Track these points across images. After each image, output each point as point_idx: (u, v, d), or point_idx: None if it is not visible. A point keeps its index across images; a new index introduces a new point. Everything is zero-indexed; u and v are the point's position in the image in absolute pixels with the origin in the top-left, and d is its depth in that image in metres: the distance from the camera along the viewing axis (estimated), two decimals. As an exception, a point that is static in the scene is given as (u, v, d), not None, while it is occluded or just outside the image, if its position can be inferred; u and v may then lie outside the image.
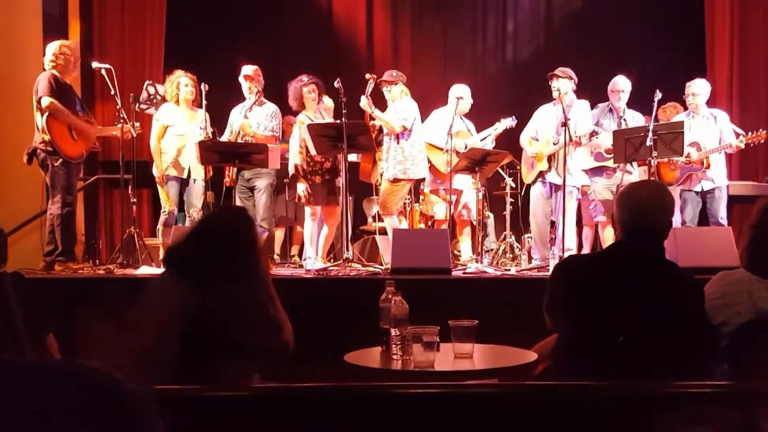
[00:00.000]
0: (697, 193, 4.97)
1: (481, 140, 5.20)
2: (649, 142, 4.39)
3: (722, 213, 4.95)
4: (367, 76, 4.85)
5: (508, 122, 5.17)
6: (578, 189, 4.88)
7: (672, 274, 1.99)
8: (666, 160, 4.87)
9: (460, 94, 5.07)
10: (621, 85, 4.97)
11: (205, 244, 2.10)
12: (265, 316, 2.09)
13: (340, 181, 4.67)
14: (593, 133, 4.66)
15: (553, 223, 5.03)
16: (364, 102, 4.76)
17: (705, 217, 5.00)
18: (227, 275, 2.03)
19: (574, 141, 4.69)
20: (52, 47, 4.51)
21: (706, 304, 1.92)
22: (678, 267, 2.04)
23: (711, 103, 5.12)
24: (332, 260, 4.97)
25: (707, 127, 4.98)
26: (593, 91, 5.19)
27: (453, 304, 3.46)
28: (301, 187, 4.87)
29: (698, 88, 4.99)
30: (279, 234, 5.65)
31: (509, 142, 5.37)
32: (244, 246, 2.11)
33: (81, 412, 0.64)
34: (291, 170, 4.95)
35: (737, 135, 4.88)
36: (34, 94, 4.41)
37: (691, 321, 1.91)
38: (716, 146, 4.90)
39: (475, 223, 5.20)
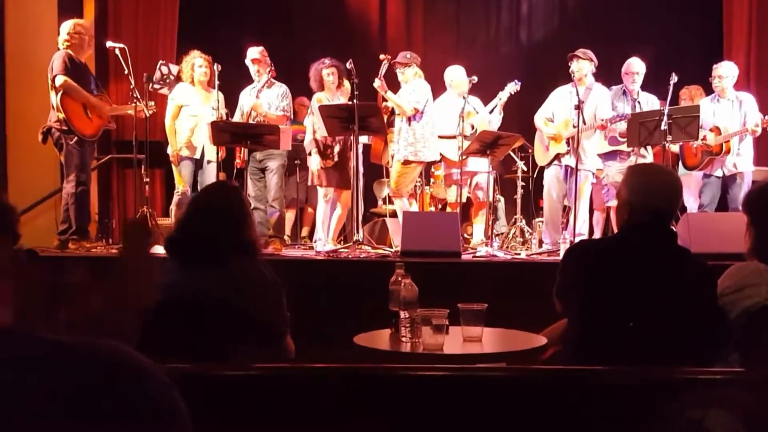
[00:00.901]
0: (718, 177, 4.89)
1: (489, 112, 5.15)
2: (663, 126, 4.32)
3: (742, 199, 4.85)
4: (381, 57, 4.82)
5: (511, 88, 5.10)
6: (593, 173, 4.85)
7: (684, 260, 1.97)
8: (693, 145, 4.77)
9: (466, 77, 5.01)
10: (635, 67, 4.89)
11: (201, 223, 2.10)
12: (279, 294, 2.10)
13: (352, 164, 4.66)
14: (622, 117, 4.58)
15: (565, 207, 5.00)
16: (378, 83, 4.74)
17: (726, 203, 4.92)
18: (232, 251, 2.04)
19: (599, 125, 4.64)
20: (67, 26, 4.52)
21: (722, 298, 1.90)
22: (690, 252, 2.02)
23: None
24: (342, 242, 4.98)
25: (731, 112, 4.87)
26: (607, 73, 5.11)
27: (462, 287, 3.47)
28: (315, 161, 4.85)
29: (725, 71, 4.87)
30: (290, 215, 5.68)
31: (520, 126, 5.32)
32: (238, 218, 2.11)
33: (100, 390, 0.65)
34: (307, 145, 4.96)
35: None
36: (48, 72, 4.43)
37: (703, 307, 1.90)
38: (735, 131, 4.81)
39: (488, 201, 5.18)
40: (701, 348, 1.85)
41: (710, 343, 1.89)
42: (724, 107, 4.90)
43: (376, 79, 4.74)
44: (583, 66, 4.70)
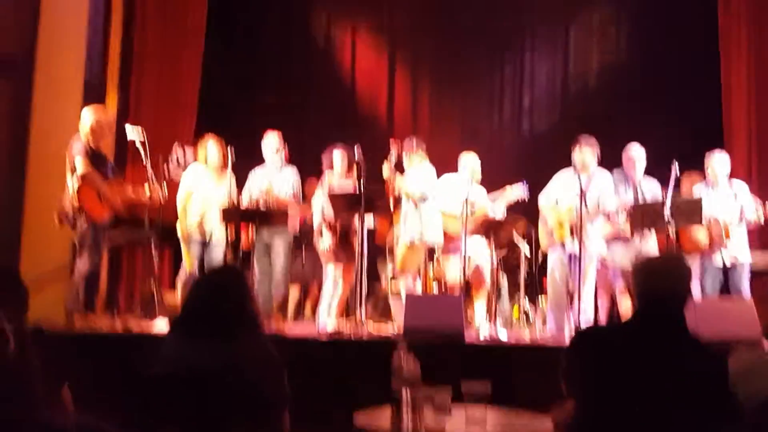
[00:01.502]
0: (717, 268, 4.88)
1: (493, 202, 5.25)
2: (666, 216, 4.36)
3: (744, 288, 4.83)
4: (392, 143, 5.00)
5: (517, 193, 5.17)
6: (597, 259, 4.86)
7: (693, 348, 1.96)
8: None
9: (479, 165, 5.17)
10: (636, 154, 4.98)
11: (203, 300, 2.15)
12: (280, 370, 2.09)
13: (356, 245, 4.73)
14: (625, 208, 4.66)
15: (569, 290, 4.98)
16: (387, 172, 4.87)
17: (728, 289, 4.89)
18: (234, 326, 2.07)
19: (604, 215, 4.71)
20: (87, 114, 4.67)
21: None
22: (699, 342, 2.01)
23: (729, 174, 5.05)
24: (345, 316, 4.97)
25: (726, 201, 4.93)
26: (608, 160, 5.22)
27: (466, 368, 3.41)
28: (327, 240, 4.91)
29: (716, 161, 4.97)
30: (294, 293, 5.68)
31: (525, 208, 5.40)
32: (236, 297, 2.15)
33: None
34: (316, 226, 5.03)
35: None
36: (67, 155, 4.60)
37: (714, 395, 1.87)
38: (736, 220, 4.84)
39: (488, 285, 5.16)
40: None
41: (721, 430, 1.85)
42: (720, 195, 4.96)
43: (385, 166, 4.87)
44: (586, 155, 4.79)
